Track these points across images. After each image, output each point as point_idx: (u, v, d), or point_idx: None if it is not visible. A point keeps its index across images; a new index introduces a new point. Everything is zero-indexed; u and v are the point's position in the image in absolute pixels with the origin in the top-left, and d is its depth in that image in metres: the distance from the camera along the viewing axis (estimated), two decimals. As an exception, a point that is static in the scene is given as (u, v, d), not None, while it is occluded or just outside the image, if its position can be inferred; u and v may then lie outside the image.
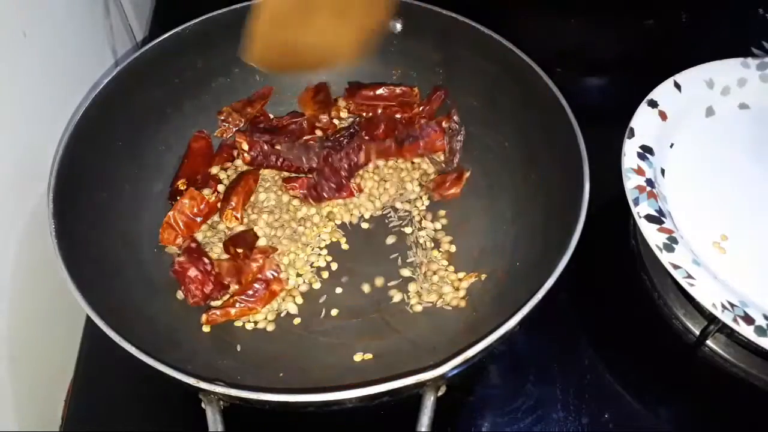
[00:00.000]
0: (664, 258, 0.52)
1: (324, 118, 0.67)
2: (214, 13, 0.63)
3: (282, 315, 0.57)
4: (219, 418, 0.43)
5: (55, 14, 0.62)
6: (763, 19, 0.68)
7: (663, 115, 0.62)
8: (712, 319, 0.55)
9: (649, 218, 0.55)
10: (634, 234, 0.63)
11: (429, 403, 0.43)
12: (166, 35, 0.61)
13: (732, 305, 0.50)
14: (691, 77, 0.64)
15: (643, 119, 0.61)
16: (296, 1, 0.53)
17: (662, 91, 0.63)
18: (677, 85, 0.63)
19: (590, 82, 0.79)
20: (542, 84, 0.57)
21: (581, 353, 0.57)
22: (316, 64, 0.61)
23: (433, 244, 0.61)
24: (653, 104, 0.62)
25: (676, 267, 0.52)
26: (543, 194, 0.58)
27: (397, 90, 0.68)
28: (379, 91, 0.68)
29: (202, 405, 0.44)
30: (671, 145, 0.62)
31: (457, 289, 0.58)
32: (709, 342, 0.57)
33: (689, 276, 0.52)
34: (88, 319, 0.56)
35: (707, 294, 0.51)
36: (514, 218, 0.60)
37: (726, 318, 0.50)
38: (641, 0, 0.84)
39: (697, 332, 0.57)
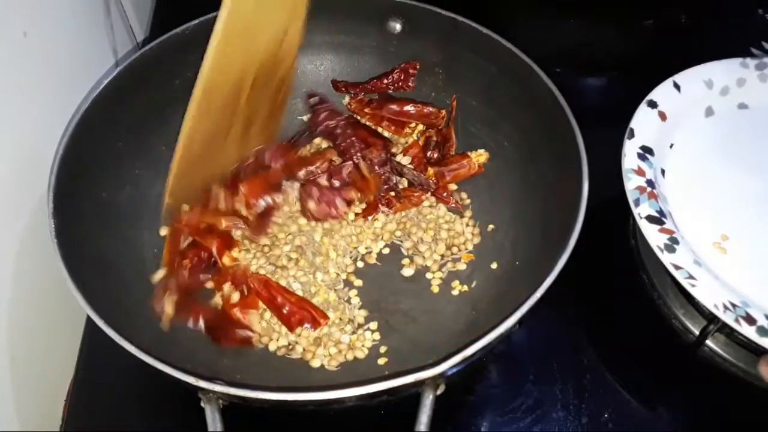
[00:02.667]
0: (666, 259, 0.52)
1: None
2: (215, 13, 0.62)
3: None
4: (218, 417, 0.43)
5: (55, 14, 0.62)
6: (762, 20, 0.68)
7: (663, 116, 0.62)
8: (711, 318, 0.55)
9: (650, 219, 0.55)
10: (634, 233, 0.63)
11: (428, 401, 0.43)
12: (167, 36, 0.61)
13: (734, 305, 0.50)
14: (691, 77, 0.64)
15: (642, 120, 0.61)
16: (206, 145, 0.56)
17: (662, 92, 0.63)
18: (676, 86, 0.63)
19: (589, 82, 0.79)
20: (541, 84, 0.57)
21: (580, 353, 0.58)
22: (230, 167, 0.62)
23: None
24: (653, 104, 0.62)
25: (677, 268, 0.52)
26: (542, 194, 0.58)
27: (425, 110, 0.67)
28: (407, 108, 0.67)
29: (202, 404, 0.44)
30: (671, 146, 0.62)
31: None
32: (708, 342, 0.57)
33: (691, 277, 0.51)
34: (88, 319, 0.56)
35: (709, 295, 0.51)
36: (513, 218, 0.60)
37: (728, 319, 0.50)
38: (641, 0, 0.84)
39: (697, 332, 0.57)
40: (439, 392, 0.44)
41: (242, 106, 0.57)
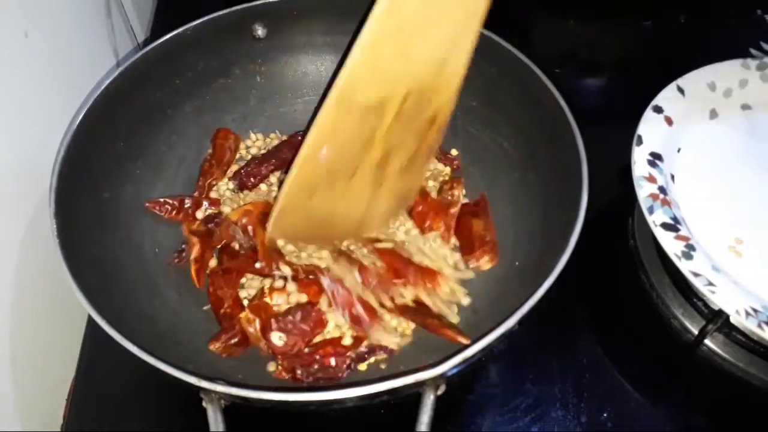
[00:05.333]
0: (684, 267, 0.51)
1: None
2: (215, 14, 0.63)
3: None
4: (220, 417, 0.43)
5: (56, 15, 0.62)
6: (761, 21, 0.68)
7: (669, 121, 0.61)
8: (710, 318, 0.55)
9: (665, 226, 0.54)
10: (633, 233, 0.63)
11: (429, 402, 0.43)
12: (168, 36, 0.61)
13: (755, 311, 0.50)
14: (694, 80, 0.64)
15: (649, 126, 0.60)
16: (330, 171, 0.48)
17: (666, 96, 0.62)
18: (680, 90, 0.63)
19: (589, 82, 0.79)
20: (541, 85, 0.58)
21: (580, 352, 0.58)
22: (344, 235, 0.54)
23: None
24: (658, 110, 0.62)
25: (696, 275, 0.51)
26: (542, 194, 0.58)
27: None
28: None
29: (203, 404, 0.44)
30: (678, 150, 0.61)
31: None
32: (707, 341, 0.57)
33: (710, 284, 0.51)
34: (90, 319, 0.56)
35: (730, 301, 0.50)
36: (513, 218, 0.60)
37: (751, 324, 0.49)
38: (640, 1, 0.84)
39: (696, 331, 0.57)
40: (439, 392, 0.44)
41: (379, 138, 0.47)
